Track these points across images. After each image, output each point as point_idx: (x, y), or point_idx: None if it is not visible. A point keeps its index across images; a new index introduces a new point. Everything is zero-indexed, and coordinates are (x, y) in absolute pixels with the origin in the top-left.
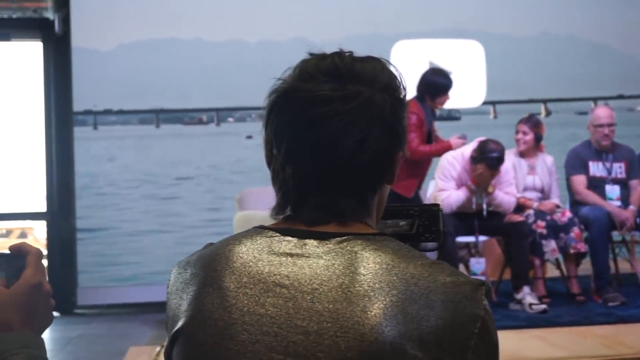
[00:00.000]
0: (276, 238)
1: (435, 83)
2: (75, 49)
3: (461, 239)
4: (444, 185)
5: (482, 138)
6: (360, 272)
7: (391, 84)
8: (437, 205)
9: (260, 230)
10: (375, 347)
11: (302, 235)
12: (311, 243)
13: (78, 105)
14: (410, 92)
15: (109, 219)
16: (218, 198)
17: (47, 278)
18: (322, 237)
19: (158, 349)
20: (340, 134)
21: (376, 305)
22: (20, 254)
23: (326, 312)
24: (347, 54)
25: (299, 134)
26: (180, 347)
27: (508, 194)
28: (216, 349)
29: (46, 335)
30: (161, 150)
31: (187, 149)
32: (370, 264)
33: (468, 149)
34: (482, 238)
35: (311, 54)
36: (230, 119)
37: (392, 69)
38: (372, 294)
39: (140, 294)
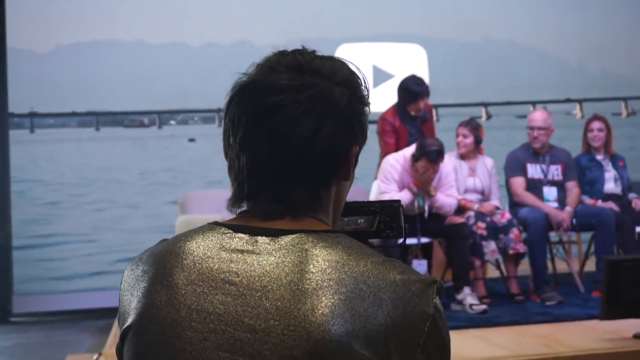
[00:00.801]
0: (228, 234)
1: (408, 90)
2: (10, 49)
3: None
4: (386, 187)
5: (421, 138)
6: (310, 270)
7: (350, 80)
8: (398, 201)
9: (212, 226)
10: (322, 345)
11: (254, 232)
12: (262, 240)
13: (14, 107)
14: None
15: (46, 225)
16: (160, 202)
17: None
18: (274, 233)
19: (95, 356)
20: (294, 122)
21: (324, 303)
22: None
23: (274, 310)
24: (310, 51)
25: (254, 121)
26: (129, 344)
27: (449, 196)
28: (164, 346)
29: None
30: (101, 154)
31: (128, 152)
32: (320, 262)
33: (409, 151)
34: (423, 240)
35: (274, 52)
36: (172, 122)
37: (353, 68)
38: (320, 291)
39: (78, 300)
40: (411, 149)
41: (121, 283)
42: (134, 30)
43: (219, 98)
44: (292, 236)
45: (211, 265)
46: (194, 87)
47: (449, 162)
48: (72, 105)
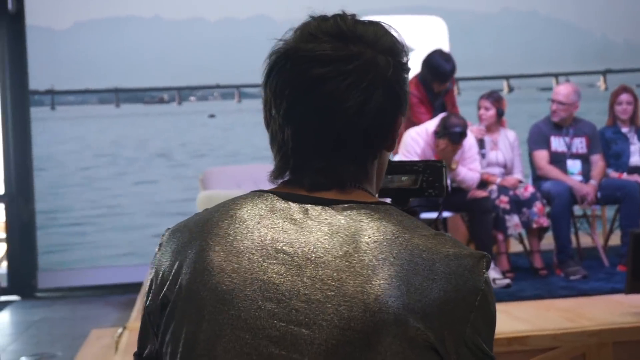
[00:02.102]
0: (278, 203)
1: (438, 68)
2: (29, 27)
3: (425, 215)
4: None
5: (445, 114)
6: (364, 242)
7: (394, 47)
8: (441, 161)
9: (260, 193)
10: (379, 317)
11: (303, 200)
12: (313, 209)
13: (34, 85)
14: None
15: (69, 201)
16: (181, 178)
17: None
18: (324, 203)
19: (120, 330)
20: (341, 95)
21: (380, 275)
22: None
23: (330, 281)
24: (350, 16)
25: (299, 94)
26: (177, 310)
27: (472, 169)
28: (218, 313)
29: (6, 319)
30: (121, 130)
31: (148, 128)
32: (374, 234)
33: (432, 125)
34: (445, 214)
35: (312, 17)
36: (192, 98)
37: (394, 33)
38: (376, 263)
39: (102, 276)
40: (434, 123)
41: (159, 249)
42: (151, 6)
43: (238, 74)
44: (344, 206)
45: (264, 234)
46: (212, 63)
47: (471, 136)
48: (92, 82)
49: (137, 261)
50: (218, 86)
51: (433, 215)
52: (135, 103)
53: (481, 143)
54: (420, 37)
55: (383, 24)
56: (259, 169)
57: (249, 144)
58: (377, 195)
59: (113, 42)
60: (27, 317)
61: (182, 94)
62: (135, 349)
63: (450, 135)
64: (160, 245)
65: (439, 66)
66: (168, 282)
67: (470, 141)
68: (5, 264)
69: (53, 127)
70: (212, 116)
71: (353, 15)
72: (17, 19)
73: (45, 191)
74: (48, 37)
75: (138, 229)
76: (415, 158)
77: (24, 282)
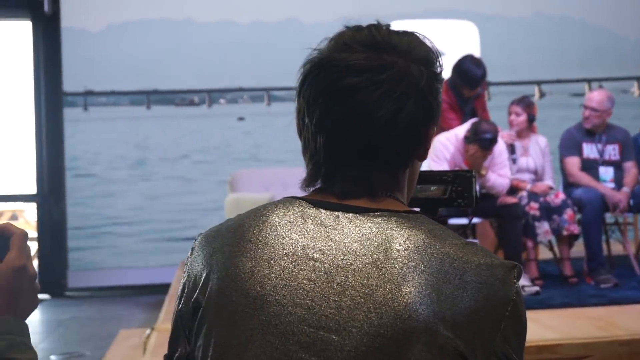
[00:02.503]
0: (309, 210)
1: (468, 74)
2: (64, 29)
3: (454, 221)
4: (437, 166)
5: (475, 119)
6: (395, 249)
7: (428, 57)
8: (471, 171)
9: (292, 200)
10: (409, 325)
11: (334, 208)
12: (344, 216)
13: (68, 86)
14: None
15: (99, 201)
16: (209, 180)
17: (32, 261)
18: (355, 211)
19: (148, 331)
20: (374, 104)
21: (411, 283)
22: (3, 235)
23: (360, 288)
24: (384, 26)
25: (332, 103)
26: (209, 315)
27: (502, 176)
28: (248, 318)
29: (36, 317)
30: (152, 132)
31: (179, 130)
32: (405, 242)
33: (462, 130)
34: (475, 220)
35: (347, 27)
36: (222, 101)
37: (429, 43)
38: (407, 271)
39: (131, 276)
40: (464, 128)
41: (191, 254)
42: (183, 8)
43: (268, 77)
44: (375, 214)
45: (294, 240)
46: (242, 65)
47: (501, 142)
48: (124, 83)
49: (166, 262)
50: (248, 89)
51: (462, 220)
52: (166, 105)
53: (512, 148)
54: (451, 41)
55: (418, 34)
56: (288, 172)
57: (277, 147)
58: (407, 204)
59: (145, 44)
60: (56, 315)
61: (212, 96)
62: (163, 350)
63: (481, 141)
64: (192, 249)
65: (469, 71)
66: (200, 287)
67: (500, 147)
68: (36, 262)
69: (86, 128)
70: (241, 119)
71: (387, 26)
72: (53, 21)
73: (76, 191)
74: (83, 38)
75: (167, 230)
76: (445, 163)
77: (54, 281)
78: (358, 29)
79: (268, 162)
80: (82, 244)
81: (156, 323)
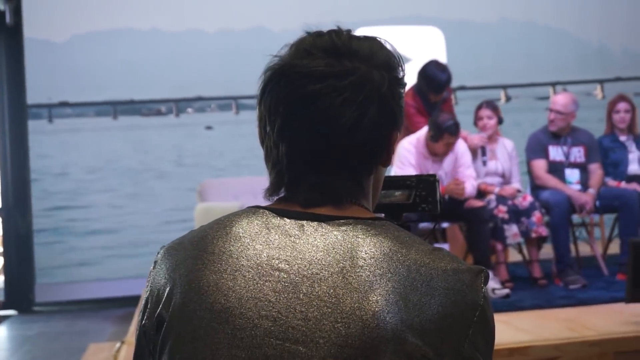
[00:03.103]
0: (273, 219)
1: (434, 79)
2: (27, 40)
3: (424, 225)
4: (403, 173)
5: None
6: (361, 257)
7: (389, 62)
8: (434, 175)
9: (255, 210)
10: (377, 334)
11: (299, 216)
12: (309, 225)
13: (32, 98)
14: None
15: (66, 213)
16: (178, 190)
17: None
18: (320, 219)
19: (118, 345)
20: (336, 111)
21: (378, 291)
22: None
23: (326, 298)
24: (345, 31)
25: (293, 110)
26: (172, 330)
27: (467, 177)
28: (213, 332)
29: (3, 334)
30: (119, 142)
31: (146, 140)
32: (372, 249)
33: (423, 133)
34: (444, 225)
35: (308, 32)
36: (189, 110)
37: (390, 48)
38: (373, 279)
39: (100, 289)
40: (424, 131)
41: (153, 267)
42: (149, 18)
43: (236, 85)
44: (340, 222)
45: (259, 251)
46: (210, 74)
47: (463, 143)
48: (89, 94)
49: (135, 274)
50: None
51: (431, 225)
52: (133, 115)
53: (483, 151)
54: (417, 47)
55: (379, 39)
56: (257, 181)
57: (246, 155)
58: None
59: (110, 54)
60: (24, 331)
61: (179, 105)
62: None
63: (447, 129)
64: (155, 263)
65: (434, 76)
66: (163, 301)
67: (462, 148)
68: (2, 278)
69: (51, 140)
70: (209, 128)
71: (349, 31)
72: (15, 32)
73: (42, 204)
74: (46, 49)
75: (135, 242)
76: (410, 169)
77: (21, 296)
78: (319, 34)
79: (237, 170)
80: (49, 258)
81: (126, 336)
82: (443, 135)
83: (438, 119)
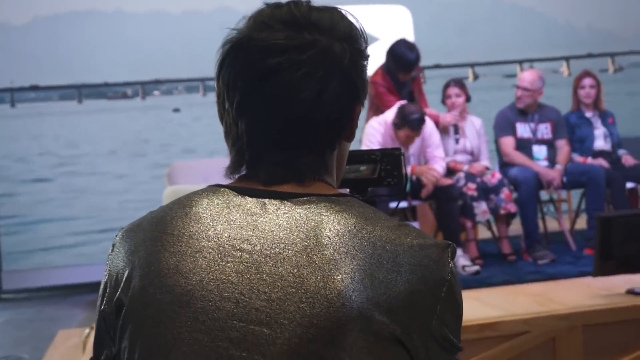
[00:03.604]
0: (234, 198)
1: (402, 58)
2: None
3: (394, 204)
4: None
5: (402, 102)
6: (325, 235)
7: (351, 34)
8: (399, 149)
9: (216, 189)
10: (343, 312)
11: (260, 195)
12: (271, 203)
13: None
14: None
15: (31, 199)
16: (146, 173)
17: None
18: (282, 197)
19: (87, 330)
20: (296, 85)
21: (343, 269)
22: None
23: (290, 277)
24: (305, 2)
25: (252, 85)
26: (132, 314)
27: (435, 157)
28: (174, 315)
29: None
30: (84, 127)
31: (112, 124)
32: (335, 226)
33: (391, 115)
34: (413, 202)
35: (266, 4)
36: (156, 92)
37: (351, 19)
38: (338, 257)
39: (68, 275)
40: (392, 113)
41: (112, 251)
42: None
43: (203, 67)
44: (303, 199)
45: (220, 231)
46: (176, 56)
47: (431, 123)
48: (53, 78)
49: (103, 259)
50: (182, 80)
51: (403, 203)
52: (98, 99)
53: (455, 129)
54: (384, 26)
55: (339, 9)
56: (226, 162)
57: (215, 137)
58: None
59: (74, 37)
60: None
61: (145, 88)
62: None
63: (409, 122)
64: (113, 246)
65: (402, 55)
66: (122, 285)
67: (430, 128)
68: None
69: (13, 125)
70: (176, 110)
71: (308, 2)
72: None
73: (6, 190)
74: (7, 32)
75: (104, 226)
76: (377, 147)
77: None
78: (277, 5)
79: (206, 152)
80: (15, 244)
81: (96, 318)
82: (404, 127)
83: (405, 109)
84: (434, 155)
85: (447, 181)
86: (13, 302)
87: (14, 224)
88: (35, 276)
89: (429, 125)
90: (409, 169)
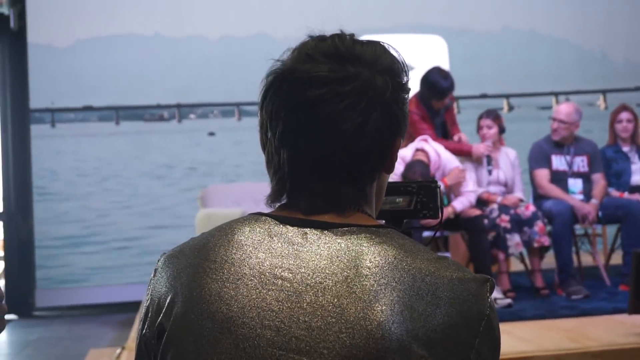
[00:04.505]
0: (275, 227)
1: (436, 86)
2: (31, 45)
3: (427, 234)
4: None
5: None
6: (366, 266)
7: (393, 67)
8: (435, 181)
9: (257, 217)
10: (382, 344)
11: (301, 224)
12: (312, 233)
13: (35, 102)
14: None
15: (67, 218)
16: (180, 196)
17: None
18: (323, 227)
19: (119, 350)
20: (338, 117)
21: (383, 300)
22: None
23: (330, 307)
24: (348, 36)
25: (295, 116)
26: (172, 342)
27: (465, 194)
28: (215, 342)
29: (3, 339)
30: (121, 148)
31: (148, 146)
32: (376, 258)
33: (409, 152)
34: (445, 233)
35: (310, 36)
36: (192, 116)
37: (394, 52)
38: (378, 289)
39: (100, 294)
40: (410, 151)
41: (154, 276)
42: (152, 23)
43: (238, 91)
44: (343, 229)
45: (262, 259)
46: (212, 80)
47: (456, 161)
48: (92, 99)
49: (136, 279)
50: (218, 104)
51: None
52: (135, 120)
53: (488, 160)
54: (420, 56)
55: (382, 44)
56: (259, 187)
57: (248, 162)
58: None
59: (114, 60)
60: (24, 336)
61: (182, 111)
62: None
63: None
64: (155, 271)
65: (436, 83)
66: (164, 310)
67: (459, 177)
68: (2, 282)
69: (53, 144)
70: (211, 134)
71: (352, 35)
72: (19, 37)
73: (44, 209)
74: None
75: (136, 247)
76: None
77: (21, 300)
78: (321, 39)
79: (239, 176)
80: (49, 263)
81: (126, 342)
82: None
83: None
84: (462, 193)
85: (475, 212)
86: (45, 320)
87: (49, 242)
88: (67, 295)
89: (454, 163)
90: (441, 186)
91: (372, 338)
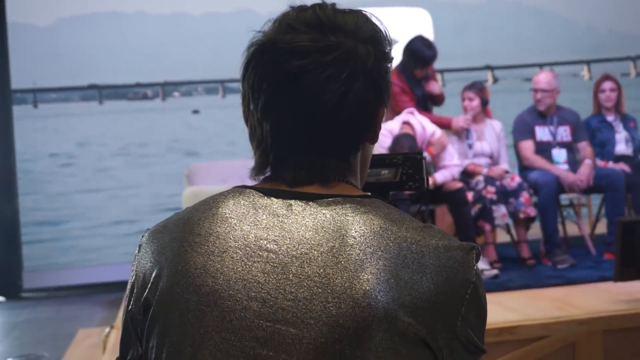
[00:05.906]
0: (260, 199)
1: (418, 54)
2: (11, 24)
3: (413, 207)
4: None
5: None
6: (351, 235)
7: (375, 36)
8: (421, 153)
9: (241, 190)
10: (368, 312)
11: (286, 196)
12: (297, 204)
13: (16, 82)
14: None
15: (52, 199)
16: (166, 174)
17: None
18: (307, 198)
19: (107, 329)
20: (321, 87)
21: (369, 269)
22: None
23: (316, 277)
24: (330, 5)
25: (277, 87)
26: (159, 316)
27: (448, 167)
28: (202, 315)
29: None
30: (104, 127)
31: (132, 124)
32: (362, 227)
33: (396, 124)
34: (430, 207)
35: (291, 7)
36: (176, 94)
37: (376, 21)
38: (364, 258)
39: (88, 275)
40: (397, 124)
41: (138, 251)
42: (134, 1)
43: (223, 69)
44: (328, 200)
45: (247, 231)
46: (196, 58)
47: (443, 135)
48: (74, 79)
49: (123, 259)
50: (202, 81)
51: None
52: (118, 100)
53: (468, 133)
54: (404, 29)
55: (364, 12)
56: (245, 164)
57: (234, 139)
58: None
59: (95, 38)
60: (12, 318)
61: (165, 89)
62: None
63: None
64: (139, 246)
65: (419, 51)
66: (149, 285)
67: (443, 142)
68: None
69: (36, 125)
70: (196, 112)
71: (333, 5)
72: None
73: (28, 190)
74: (30, 33)
75: (123, 226)
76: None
77: (9, 282)
78: (302, 9)
79: (225, 154)
80: (36, 244)
81: (115, 321)
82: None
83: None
84: (445, 165)
85: (458, 184)
86: (33, 301)
87: (35, 223)
88: (54, 276)
89: (442, 139)
90: (427, 157)
91: (358, 307)
